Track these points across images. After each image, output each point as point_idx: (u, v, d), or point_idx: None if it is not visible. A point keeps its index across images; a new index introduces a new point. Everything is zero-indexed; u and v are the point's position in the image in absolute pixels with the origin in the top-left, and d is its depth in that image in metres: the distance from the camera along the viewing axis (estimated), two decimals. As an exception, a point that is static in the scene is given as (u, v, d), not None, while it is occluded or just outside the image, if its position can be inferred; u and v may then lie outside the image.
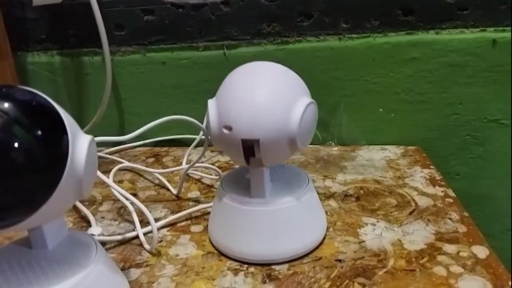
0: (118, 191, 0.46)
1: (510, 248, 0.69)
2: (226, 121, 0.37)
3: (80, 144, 0.29)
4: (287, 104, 0.37)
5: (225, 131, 0.37)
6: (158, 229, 0.46)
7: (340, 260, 0.39)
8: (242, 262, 0.40)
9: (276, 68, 0.39)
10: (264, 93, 0.37)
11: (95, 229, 0.46)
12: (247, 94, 0.37)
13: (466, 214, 0.46)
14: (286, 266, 0.39)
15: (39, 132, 0.27)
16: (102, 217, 0.50)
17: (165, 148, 0.72)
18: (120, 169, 0.61)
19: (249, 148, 0.37)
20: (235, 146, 0.38)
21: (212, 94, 0.40)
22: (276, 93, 0.37)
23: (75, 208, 0.53)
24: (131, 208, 0.48)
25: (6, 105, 0.26)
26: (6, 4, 0.71)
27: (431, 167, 0.59)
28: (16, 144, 0.26)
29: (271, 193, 0.41)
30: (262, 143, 0.37)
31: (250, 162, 0.39)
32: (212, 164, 0.63)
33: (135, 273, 0.39)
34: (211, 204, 0.48)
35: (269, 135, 0.36)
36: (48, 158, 0.27)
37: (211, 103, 0.39)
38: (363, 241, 0.42)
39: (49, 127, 0.28)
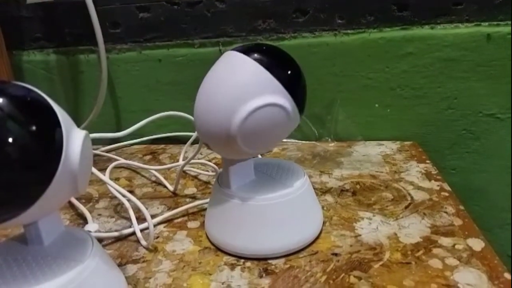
0: (115, 188, 0.47)
1: (506, 242, 0.70)
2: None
3: (75, 138, 0.29)
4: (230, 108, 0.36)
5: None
6: (155, 225, 0.46)
7: (336, 254, 0.40)
8: (238, 257, 0.40)
9: (238, 67, 0.37)
10: (209, 97, 0.38)
11: (92, 226, 0.46)
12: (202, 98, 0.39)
13: (461, 207, 0.46)
14: (282, 260, 0.39)
15: (33, 127, 0.27)
16: (99, 214, 0.50)
17: (162, 146, 0.72)
18: (116, 167, 0.61)
19: None
20: None
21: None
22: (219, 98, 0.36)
23: (71, 205, 0.53)
24: (127, 205, 0.48)
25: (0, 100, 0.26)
26: (1, 2, 0.71)
27: (427, 161, 0.59)
28: (10, 139, 0.26)
29: (267, 189, 0.41)
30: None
31: None
32: (209, 160, 0.63)
33: (132, 268, 0.39)
34: (207, 200, 0.48)
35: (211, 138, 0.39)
36: (42, 153, 0.27)
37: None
38: (359, 235, 0.42)
39: (43, 121, 0.28)
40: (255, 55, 0.37)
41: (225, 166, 0.41)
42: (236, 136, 0.36)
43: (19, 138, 0.26)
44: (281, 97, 0.36)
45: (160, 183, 0.58)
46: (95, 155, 0.67)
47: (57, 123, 0.28)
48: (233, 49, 0.38)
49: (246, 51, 0.37)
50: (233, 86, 0.36)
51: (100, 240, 0.44)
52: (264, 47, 0.39)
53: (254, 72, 0.36)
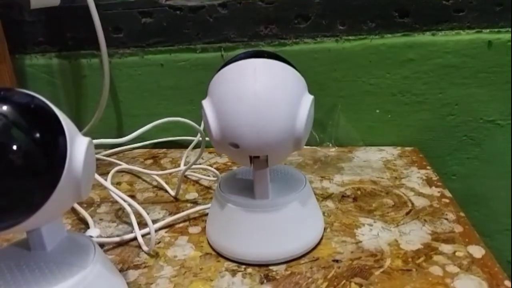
0: (116, 193, 0.47)
1: (506, 248, 0.70)
2: (231, 138, 0.36)
3: (78, 146, 0.29)
4: (292, 108, 0.36)
5: (231, 147, 0.37)
6: (156, 230, 0.46)
7: (337, 261, 0.40)
8: (239, 263, 0.40)
9: (273, 65, 0.38)
10: (267, 100, 0.35)
11: (93, 231, 0.46)
12: (249, 103, 0.35)
13: (462, 214, 0.47)
14: (283, 266, 0.39)
15: (37, 135, 0.27)
16: (100, 219, 0.50)
17: (163, 150, 0.73)
18: (118, 171, 0.61)
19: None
20: (240, 156, 0.38)
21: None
22: (280, 99, 0.36)
23: (73, 210, 0.53)
24: (129, 209, 0.48)
25: (4, 107, 0.26)
26: (4, 7, 0.71)
27: (428, 167, 0.59)
28: (14, 147, 0.26)
29: (270, 195, 0.41)
30: (269, 153, 0.37)
31: (254, 163, 0.39)
32: (210, 165, 0.63)
33: (133, 274, 0.39)
34: (209, 205, 0.48)
35: (277, 146, 0.37)
36: (46, 160, 0.27)
37: (207, 107, 0.38)
38: (360, 242, 0.42)
39: (47, 129, 0.28)
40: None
41: (259, 176, 0.40)
42: (302, 137, 0.37)
43: (23, 146, 0.26)
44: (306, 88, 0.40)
45: (161, 188, 0.58)
46: (97, 159, 0.67)
47: (61, 131, 0.28)
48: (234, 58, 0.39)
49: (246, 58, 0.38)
50: (282, 94, 0.36)
51: (101, 245, 0.44)
52: (266, 54, 0.39)
53: (289, 73, 0.38)
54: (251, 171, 0.41)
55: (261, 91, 0.36)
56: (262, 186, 0.40)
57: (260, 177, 0.40)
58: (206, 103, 0.38)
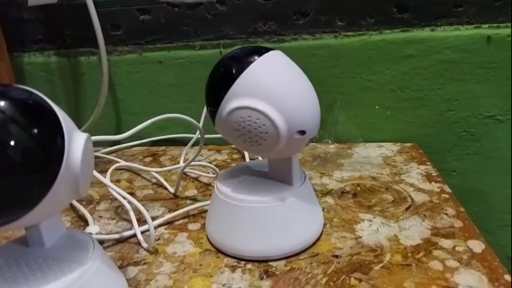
0: (115, 190, 0.47)
1: (506, 243, 0.70)
2: (300, 127, 0.38)
3: (76, 142, 0.29)
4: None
5: (297, 136, 0.38)
6: (156, 227, 0.46)
7: (336, 256, 0.40)
8: (239, 259, 0.40)
9: (282, 55, 0.40)
10: (310, 87, 0.40)
11: (93, 228, 0.46)
12: (302, 90, 0.39)
13: (462, 209, 0.46)
14: (283, 262, 0.39)
15: (35, 130, 0.27)
16: (100, 216, 0.50)
17: (162, 147, 0.73)
18: (117, 169, 0.61)
19: None
20: (300, 142, 0.39)
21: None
22: (308, 80, 0.40)
23: (72, 207, 0.53)
24: (128, 207, 0.48)
25: (1, 103, 0.26)
26: (2, 4, 0.71)
27: (427, 163, 0.59)
28: (12, 142, 0.26)
29: (268, 191, 0.41)
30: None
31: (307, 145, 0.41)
32: (209, 162, 0.63)
33: (132, 271, 0.39)
34: (208, 202, 0.48)
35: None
36: (44, 156, 0.27)
37: (264, 107, 0.36)
38: (360, 237, 0.42)
39: (45, 125, 0.28)
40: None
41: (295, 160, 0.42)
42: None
43: (21, 141, 0.26)
44: None
45: (160, 185, 0.58)
46: (96, 157, 0.67)
47: (59, 126, 0.28)
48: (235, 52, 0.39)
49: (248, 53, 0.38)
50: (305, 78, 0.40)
51: (101, 242, 0.44)
52: (264, 50, 0.39)
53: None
54: (267, 163, 0.44)
55: (301, 76, 0.40)
56: (297, 168, 0.43)
57: (296, 160, 0.42)
58: (258, 104, 0.36)
